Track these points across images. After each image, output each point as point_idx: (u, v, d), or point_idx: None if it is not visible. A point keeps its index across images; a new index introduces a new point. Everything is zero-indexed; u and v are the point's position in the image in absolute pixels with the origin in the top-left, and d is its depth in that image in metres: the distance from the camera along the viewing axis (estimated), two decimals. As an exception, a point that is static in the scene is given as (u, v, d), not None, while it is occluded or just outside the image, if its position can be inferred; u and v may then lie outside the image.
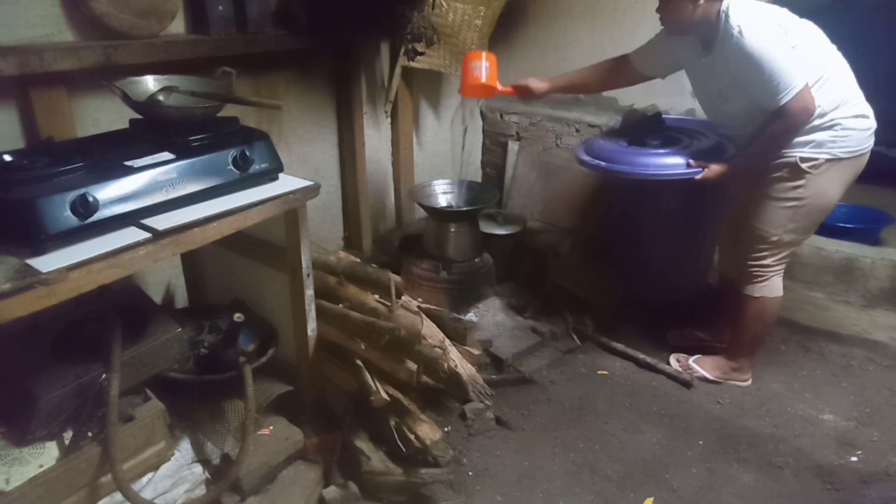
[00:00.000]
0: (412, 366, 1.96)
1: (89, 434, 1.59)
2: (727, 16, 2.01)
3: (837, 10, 4.32)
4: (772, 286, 2.34)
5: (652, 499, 1.99)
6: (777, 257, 2.30)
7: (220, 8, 2.22)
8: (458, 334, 2.32)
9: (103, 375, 1.59)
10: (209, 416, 1.92)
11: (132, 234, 1.45)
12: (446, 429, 2.22)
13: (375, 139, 3.21)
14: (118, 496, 1.59)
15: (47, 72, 1.77)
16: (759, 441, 2.23)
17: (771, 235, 2.25)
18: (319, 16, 2.49)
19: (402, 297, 2.14)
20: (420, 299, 2.47)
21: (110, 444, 1.54)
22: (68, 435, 1.59)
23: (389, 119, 3.26)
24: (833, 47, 2.14)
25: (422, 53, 2.91)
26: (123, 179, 1.49)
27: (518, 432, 2.27)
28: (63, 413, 1.57)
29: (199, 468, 1.81)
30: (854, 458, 2.16)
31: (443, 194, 3.06)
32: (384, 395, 1.94)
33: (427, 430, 1.97)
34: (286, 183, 1.81)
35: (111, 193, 1.45)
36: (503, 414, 2.32)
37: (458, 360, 2.19)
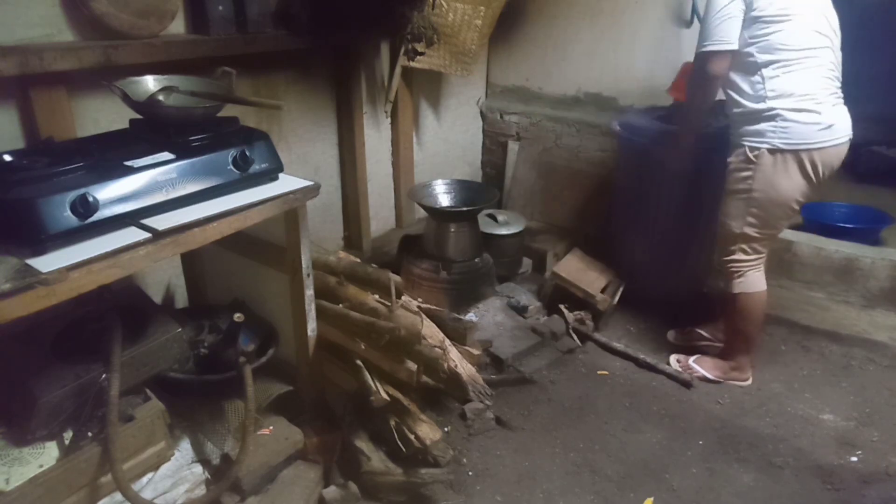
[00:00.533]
0: (412, 366, 1.96)
1: (89, 434, 1.59)
2: None
3: (838, 8, 4.31)
4: (749, 282, 2.35)
5: (652, 499, 1.99)
6: (746, 252, 2.32)
7: (220, 8, 2.22)
8: (458, 334, 2.32)
9: (103, 375, 1.59)
10: (209, 416, 1.92)
11: (132, 234, 1.45)
12: (446, 429, 2.22)
13: (375, 139, 3.21)
14: (118, 496, 1.59)
15: (47, 72, 1.77)
16: (759, 441, 2.23)
17: (732, 227, 2.28)
18: (319, 16, 2.49)
19: (402, 297, 2.14)
20: (420, 299, 2.47)
21: (110, 444, 1.53)
22: (68, 435, 1.59)
23: (389, 119, 3.26)
24: (820, 39, 2.12)
25: (422, 53, 2.91)
26: (123, 179, 1.49)
27: (518, 432, 2.27)
28: (63, 413, 1.57)
29: (199, 468, 1.81)
30: (854, 458, 2.16)
31: (443, 194, 3.06)
32: (384, 395, 1.94)
33: (427, 430, 1.97)
34: (286, 183, 1.81)
35: (111, 193, 1.45)
36: (503, 414, 2.33)
37: (458, 360, 2.20)
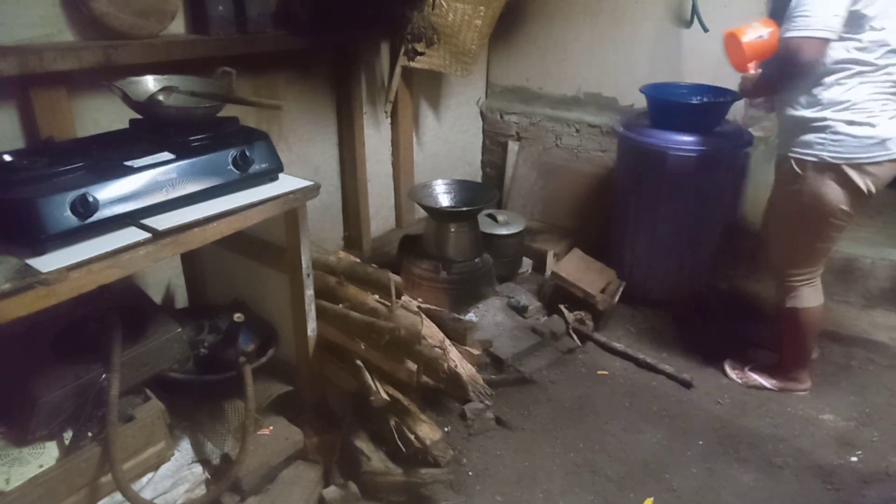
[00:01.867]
0: (412, 366, 1.96)
1: (89, 434, 1.59)
2: None
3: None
4: (801, 296, 2.29)
5: (652, 499, 1.99)
6: (797, 266, 2.25)
7: (220, 8, 2.22)
8: (458, 334, 2.32)
9: (103, 375, 1.59)
10: (209, 416, 1.92)
11: (132, 234, 1.45)
12: (446, 429, 2.22)
13: (375, 139, 3.21)
14: (118, 496, 1.59)
15: (47, 72, 1.77)
16: (759, 441, 2.23)
17: (782, 242, 2.23)
18: (319, 16, 2.49)
19: (402, 297, 2.14)
20: (420, 299, 2.47)
21: (110, 444, 1.54)
22: (68, 435, 1.59)
23: (389, 119, 3.26)
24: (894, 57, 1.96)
25: (422, 53, 2.91)
26: (123, 179, 1.49)
27: (518, 432, 2.26)
28: (63, 413, 1.57)
29: (199, 468, 1.81)
30: (854, 458, 2.16)
31: (443, 194, 3.06)
32: (384, 395, 1.94)
33: (427, 430, 1.97)
34: (286, 183, 1.81)
35: (111, 193, 1.45)
36: (503, 414, 2.32)
37: (458, 360, 2.19)
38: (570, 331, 2.80)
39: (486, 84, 3.89)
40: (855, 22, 1.91)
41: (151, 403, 1.74)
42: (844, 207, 2.09)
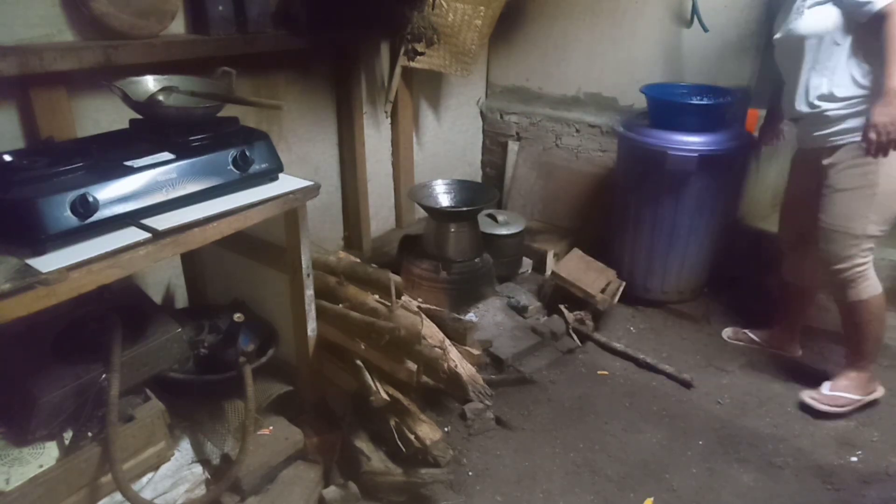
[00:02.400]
0: (412, 366, 1.96)
1: (89, 434, 1.59)
2: None
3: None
4: (873, 282, 2.16)
5: (652, 499, 1.99)
6: (864, 252, 2.13)
7: (220, 8, 2.22)
8: (458, 334, 2.32)
9: (103, 375, 1.59)
10: (209, 416, 1.92)
11: (132, 234, 1.45)
12: (446, 429, 2.22)
13: (375, 139, 3.21)
14: (118, 496, 1.59)
15: (47, 72, 1.77)
16: (759, 441, 2.23)
17: (853, 229, 2.09)
18: (319, 16, 2.49)
19: (402, 297, 2.14)
20: (420, 299, 2.47)
21: (110, 444, 1.54)
22: (68, 435, 1.59)
23: (389, 119, 3.26)
24: None
25: (422, 53, 2.91)
26: (123, 179, 1.49)
27: (518, 432, 2.26)
28: (63, 413, 1.57)
29: (199, 468, 1.81)
30: (854, 458, 2.16)
31: (443, 194, 3.06)
32: (384, 395, 1.94)
33: (427, 430, 1.97)
34: (286, 183, 1.81)
35: (111, 193, 1.45)
36: (503, 414, 2.32)
37: (458, 360, 2.19)
38: (570, 331, 2.80)
39: (486, 84, 3.89)
40: None
41: (151, 403, 1.74)
42: None
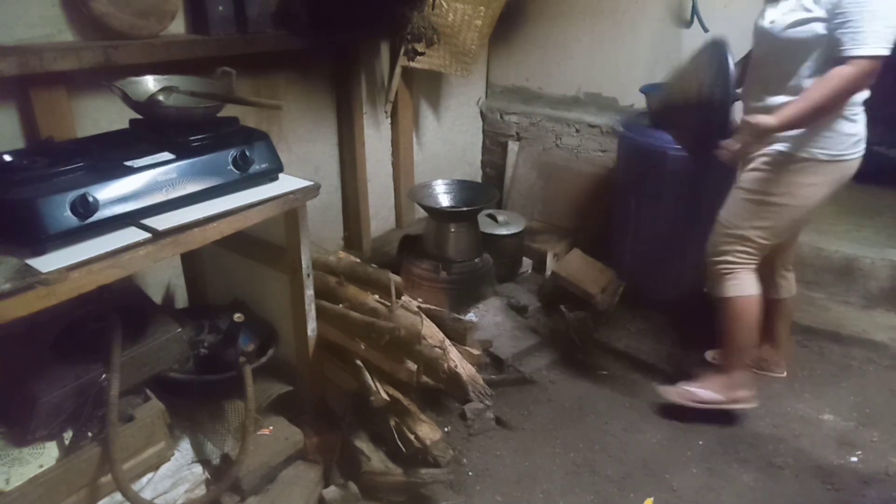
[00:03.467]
0: (412, 366, 1.96)
1: (89, 434, 1.59)
2: None
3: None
4: (742, 283, 2.17)
5: (652, 499, 1.99)
6: (741, 253, 2.15)
7: (220, 8, 2.22)
8: (458, 334, 2.32)
9: (103, 375, 1.59)
10: (209, 416, 1.92)
11: (132, 234, 1.45)
12: (446, 429, 2.22)
13: (375, 139, 3.21)
14: (118, 496, 1.59)
15: (47, 72, 1.77)
16: (759, 441, 2.23)
17: (735, 229, 2.14)
18: (319, 16, 2.49)
19: (402, 297, 2.14)
20: (420, 299, 2.47)
21: (110, 444, 1.53)
22: (68, 435, 1.59)
23: (389, 119, 3.26)
24: None
25: (422, 53, 2.91)
26: (123, 179, 1.49)
27: (518, 432, 2.27)
28: (63, 413, 1.57)
29: (199, 468, 1.81)
30: (854, 459, 2.16)
31: (443, 194, 3.06)
32: (384, 395, 1.94)
33: (427, 430, 1.97)
34: (286, 183, 1.81)
35: (111, 193, 1.45)
36: (503, 414, 2.32)
37: (458, 360, 2.19)
38: (571, 331, 2.80)
39: (486, 84, 3.89)
40: None
41: (151, 403, 1.73)
42: (815, 204, 2.08)
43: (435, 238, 2.88)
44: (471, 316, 2.80)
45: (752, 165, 2.11)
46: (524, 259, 3.30)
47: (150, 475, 1.75)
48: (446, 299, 2.80)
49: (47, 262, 1.30)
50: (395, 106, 3.19)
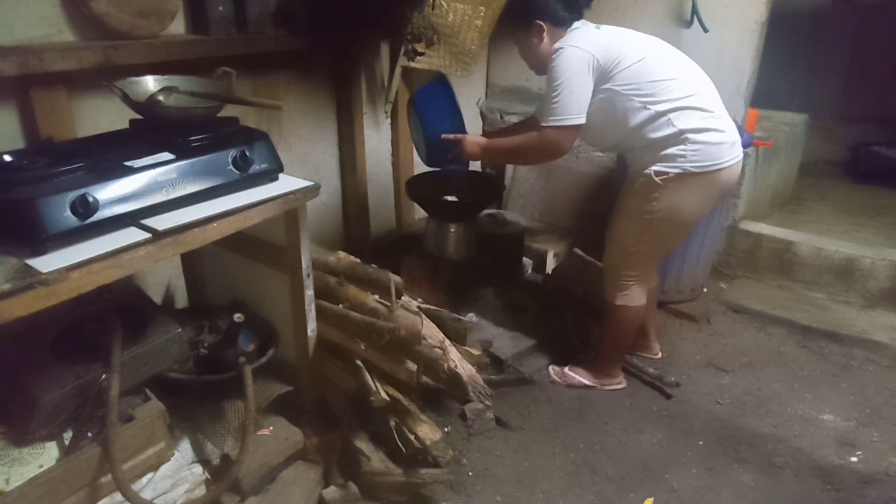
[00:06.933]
0: (412, 366, 1.96)
1: (89, 434, 1.59)
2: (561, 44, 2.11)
3: (839, 10, 4.32)
4: (632, 295, 2.32)
5: (652, 499, 1.99)
6: (633, 268, 2.29)
7: (220, 8, 2.22)
8: (458, 334, 2.32)
9: (103, 375, 1.59)
10: (209, 416, 1.92)
11: (132, 235, 1.45)
12: (446, 429, 2.22)
13: (375, 139, 3.21)
14: (118, 496, 1.59)
15: (47, 72, 1.77)
16: (759, 441, 2.23)
17: (626, 245, 2.26)
18: (319, 16, 2.49)
19: (402, 297, 2.14)
20: (420, 299, 2.47)
21: (110, 444, 1.54)
22: (68, 435, 1.59)
23: (389, 119, 3.26)
24: (691, 65, 2.12)
25: (422, 53, 2.91)
26: (123, 179, 1.49)
27: (518, 432, 2.27)
28: (63, 413, 1.57)
29: (199, 468, 1.81)
30: (854, 459, 2.16)
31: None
32: (384, 396, 1.94)
33: (427, 431, 1.97)
34: (286, 183, 1.81)
35: (111, 193, 1.45)
36: (503, 414, 2.33)
37: (458, 360, 2.19)
38: (571, 331, 2.80)
39: (486, 84, 3.89)
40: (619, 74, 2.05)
41: (151, 403, 1.74)
42: (698, 215, 2.21)
43: (435, 238, 2.87)
44: (471, 316, 2.80)
45: (633, 186, 2.19)
46: (524, 259, 3.30)
47: (150, 475, 1.75)
48: (446, 299, 2.80)
49: (47, 262, 1.30)
50: (395, 106, 3.19)
